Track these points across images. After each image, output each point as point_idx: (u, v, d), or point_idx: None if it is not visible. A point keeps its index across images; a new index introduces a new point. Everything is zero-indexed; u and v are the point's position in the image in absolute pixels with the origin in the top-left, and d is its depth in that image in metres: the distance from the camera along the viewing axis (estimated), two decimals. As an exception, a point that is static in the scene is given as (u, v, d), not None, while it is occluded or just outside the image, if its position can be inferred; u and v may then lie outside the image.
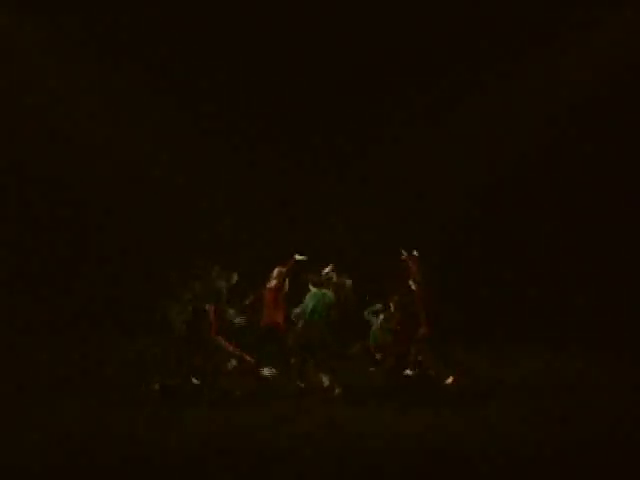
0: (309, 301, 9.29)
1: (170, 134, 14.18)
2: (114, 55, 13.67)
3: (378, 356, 10.10)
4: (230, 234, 13.74)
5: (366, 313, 10.54)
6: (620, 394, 9.14)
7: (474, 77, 13.70)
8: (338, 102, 13.94)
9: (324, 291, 9.33)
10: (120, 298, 13.77)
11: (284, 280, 9.64)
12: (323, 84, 13.95)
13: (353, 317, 10.05)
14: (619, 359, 11.59)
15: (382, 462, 6.48)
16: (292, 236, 12.81)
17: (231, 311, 9.69)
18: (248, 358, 9.16)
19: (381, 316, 10.11)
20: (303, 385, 9.16)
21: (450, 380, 9.41)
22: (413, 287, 9.66)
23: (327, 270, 9.59)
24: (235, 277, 9.65)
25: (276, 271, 9.60)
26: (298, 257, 9.68)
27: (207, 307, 9.00)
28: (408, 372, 9.72)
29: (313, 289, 9.37)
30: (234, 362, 9.25)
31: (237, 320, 9.72)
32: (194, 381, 9.13)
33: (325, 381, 9.02)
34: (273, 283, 9.55)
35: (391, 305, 9.89)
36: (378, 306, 10.35)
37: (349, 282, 9.63)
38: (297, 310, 9.59)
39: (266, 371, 9.18)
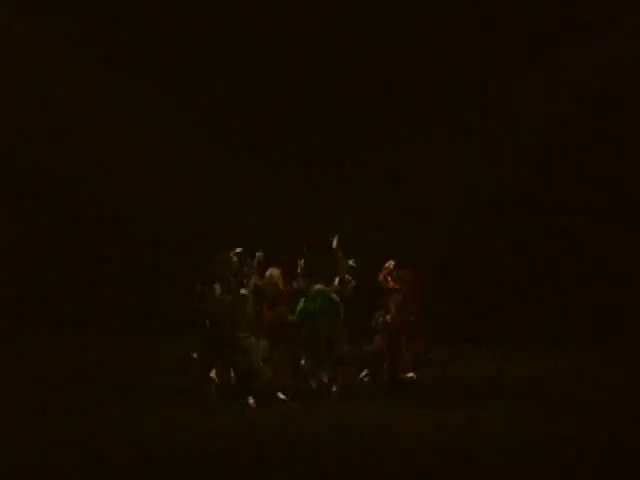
0: (313, 300, 9.22)
1: (175, 133, 14.22)
2: (117, 54, 13.70)
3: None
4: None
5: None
6: (622, 393, 9.17)
7: (478, 80, 13.76)
8: (343, 103, 13.99)
9: (328, 290, 9.29)
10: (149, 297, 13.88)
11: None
12: (324, 84, 13.98)
13: (353, 318, 9.99)
14: (621, 358, 11.62)
15: (385, 461, 6.52)
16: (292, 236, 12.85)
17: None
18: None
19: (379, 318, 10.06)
20: (313, 385, 9.15)
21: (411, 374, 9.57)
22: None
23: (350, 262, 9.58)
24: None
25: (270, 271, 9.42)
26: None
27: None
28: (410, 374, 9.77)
29: (317, 287, 9.29)
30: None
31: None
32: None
33: (324, 379, 9.07)
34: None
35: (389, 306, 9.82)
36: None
37: (353, 282, 9.58)
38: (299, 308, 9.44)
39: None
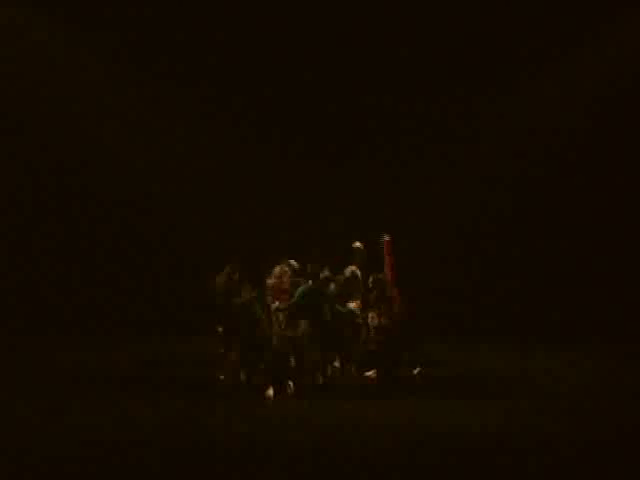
0: (310, 295, 9.34)
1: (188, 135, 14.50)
2: (131, 55, 13.93)
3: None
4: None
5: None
6: (621, 391, 9.22)
7: (484, 87, 13.93)
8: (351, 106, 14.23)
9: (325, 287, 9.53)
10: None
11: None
12: (328, 86, 14.22)
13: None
14: (623, 357, 11.66)
15: (388, 457, 6.60)
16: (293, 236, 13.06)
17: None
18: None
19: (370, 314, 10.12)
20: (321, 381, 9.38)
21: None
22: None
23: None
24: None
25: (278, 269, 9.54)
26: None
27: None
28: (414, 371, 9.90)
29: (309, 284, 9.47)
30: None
31: None
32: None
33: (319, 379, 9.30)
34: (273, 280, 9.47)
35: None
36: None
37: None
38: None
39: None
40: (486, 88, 13.88)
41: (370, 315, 9.81)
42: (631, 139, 13.73)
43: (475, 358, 11.53)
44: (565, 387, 9.38)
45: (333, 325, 9.39)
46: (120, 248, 14.25)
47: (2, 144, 13.87)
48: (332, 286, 9.83)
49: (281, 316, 9.10)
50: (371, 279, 9.88)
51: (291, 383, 8.85)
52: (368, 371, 9.85)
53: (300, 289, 9.24)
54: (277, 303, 9.15)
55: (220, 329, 9.62)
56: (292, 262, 9.79)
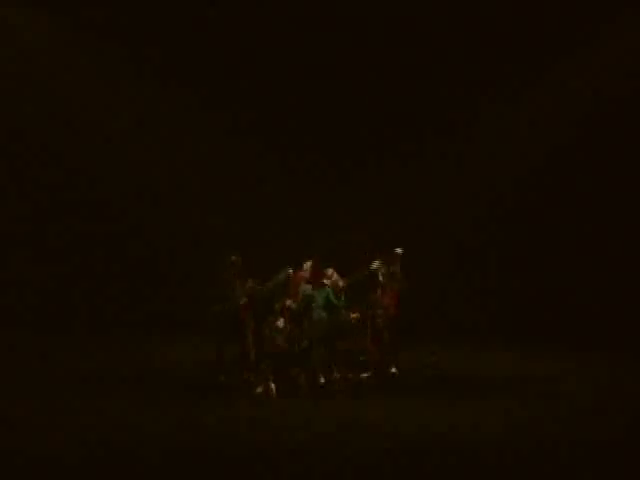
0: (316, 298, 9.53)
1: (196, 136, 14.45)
2: (137, 55, 13.91)
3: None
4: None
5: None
6: (624, 394, 9.25)
7: (489, 89, 13.92)
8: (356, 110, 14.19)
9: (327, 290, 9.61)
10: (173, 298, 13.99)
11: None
12: (334, 90, 14.20)
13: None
14: (623, 360, 11.65)
15: (388, 457, 6.64)
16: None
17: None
18: None
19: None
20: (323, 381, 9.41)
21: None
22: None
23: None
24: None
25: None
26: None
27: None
28: (393, 370, 10.01)
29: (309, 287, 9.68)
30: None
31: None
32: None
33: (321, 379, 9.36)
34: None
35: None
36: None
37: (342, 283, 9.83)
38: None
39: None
40: (488, 90, 13.93)
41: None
42: (633, 139, 13.71)
43: (474, 360, 11.58)
44: (565, 389, 9.44)
45: (332, 329, 9.51)
46: (122, 248, 14.23)
47: (7, 142, 13.88)
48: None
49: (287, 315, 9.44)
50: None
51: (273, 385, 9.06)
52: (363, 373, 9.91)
53: (308, 292, 9.54)
54: (289, 302, 9.49)
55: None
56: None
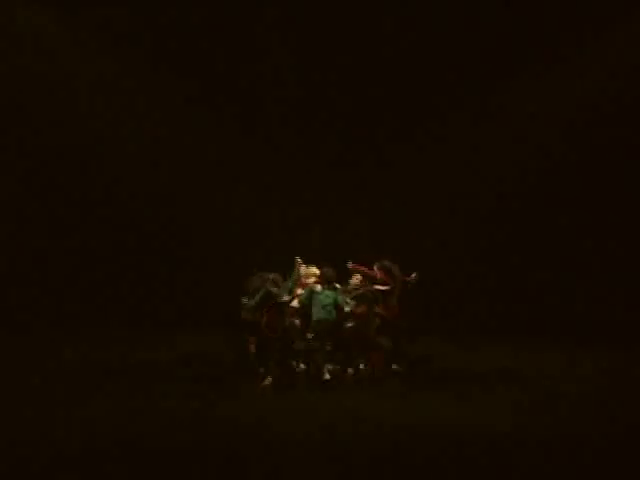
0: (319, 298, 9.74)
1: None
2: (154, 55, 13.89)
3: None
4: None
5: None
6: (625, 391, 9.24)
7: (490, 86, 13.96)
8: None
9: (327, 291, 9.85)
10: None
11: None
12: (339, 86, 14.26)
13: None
14: (625, 356, 11.57)
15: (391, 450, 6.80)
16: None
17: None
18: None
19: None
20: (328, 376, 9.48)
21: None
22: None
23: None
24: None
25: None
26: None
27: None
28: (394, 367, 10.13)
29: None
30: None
31: None
32: None
33: (326, 374, 9.46)
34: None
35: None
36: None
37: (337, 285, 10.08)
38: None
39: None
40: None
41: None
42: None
43: (477, 356, 11.51)
44: (567, 385, 9.41)
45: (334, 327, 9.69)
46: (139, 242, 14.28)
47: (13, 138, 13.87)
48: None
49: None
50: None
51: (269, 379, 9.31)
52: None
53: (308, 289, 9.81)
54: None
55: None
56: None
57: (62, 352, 11.32)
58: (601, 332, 12.58)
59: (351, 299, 9.79)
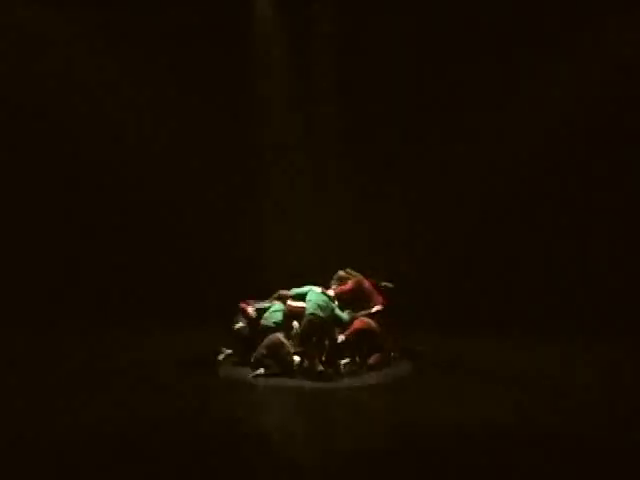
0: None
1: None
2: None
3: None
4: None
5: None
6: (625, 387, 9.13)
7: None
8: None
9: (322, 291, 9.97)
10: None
11: None
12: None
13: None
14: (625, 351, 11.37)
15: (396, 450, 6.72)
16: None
17: None
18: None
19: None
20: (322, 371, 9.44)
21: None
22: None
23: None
24: None
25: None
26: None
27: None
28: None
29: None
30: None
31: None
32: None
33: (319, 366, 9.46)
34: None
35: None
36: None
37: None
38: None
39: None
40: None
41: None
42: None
43: (476, 351, 11.37)
44: (567, 381, 9.33)
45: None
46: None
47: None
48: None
49: None
50: None
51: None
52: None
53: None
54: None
55: None
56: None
57: (58, 351, 11.24)
58: (602, 326, 12.37)
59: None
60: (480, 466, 6.26)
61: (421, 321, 12.02)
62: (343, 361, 9.72)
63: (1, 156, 13.57)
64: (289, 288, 10.32)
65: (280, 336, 9.69)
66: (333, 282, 10.24)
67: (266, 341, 9.64)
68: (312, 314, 9.56)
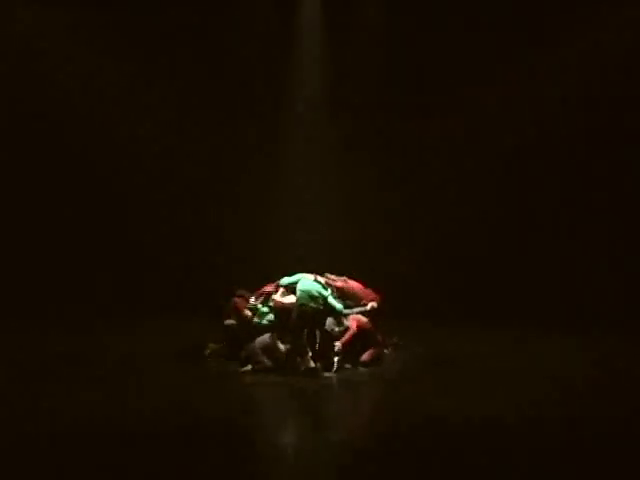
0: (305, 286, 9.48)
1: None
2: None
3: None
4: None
5: None
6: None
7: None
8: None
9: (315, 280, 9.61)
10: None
11: None
12: None
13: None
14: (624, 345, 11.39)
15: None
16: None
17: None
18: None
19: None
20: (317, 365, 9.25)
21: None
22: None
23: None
24: None
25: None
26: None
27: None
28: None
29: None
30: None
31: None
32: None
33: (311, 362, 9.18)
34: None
35: None
36: None
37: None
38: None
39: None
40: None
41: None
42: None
43: (473, 344, 11.34)
44: (566, 374, 9.33)
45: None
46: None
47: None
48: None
49: None
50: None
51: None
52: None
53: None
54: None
55: None
56: None
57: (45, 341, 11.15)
58: (601, 321, 12.37)
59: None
60: (479, 464, 6.19)
61: (414, 316, 12.02)
62: (336, 358, 9.40)
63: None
64: (279, 278, 9.89)
65: (273, 337, 9.38)
66: None
67: (258, 342, 9.34)
68: (303, 305, 9.19)
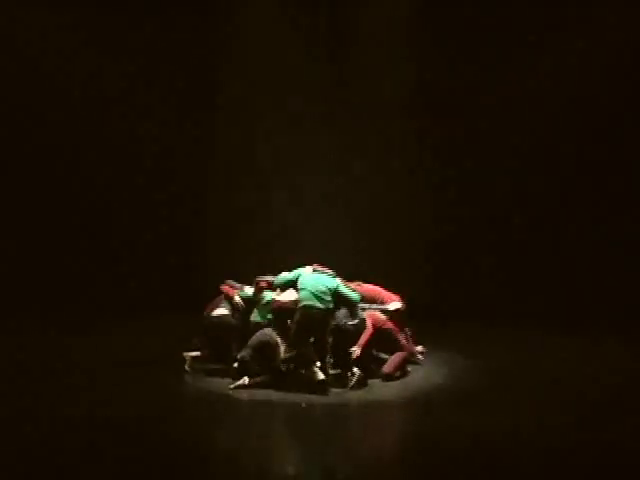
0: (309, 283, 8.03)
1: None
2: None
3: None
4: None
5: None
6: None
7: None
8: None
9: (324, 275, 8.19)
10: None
11: None
12: None
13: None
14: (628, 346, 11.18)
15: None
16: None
17: None
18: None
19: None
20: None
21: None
22: None
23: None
24: None
25: None
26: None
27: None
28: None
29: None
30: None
31: None
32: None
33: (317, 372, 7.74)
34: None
35: None
36: None
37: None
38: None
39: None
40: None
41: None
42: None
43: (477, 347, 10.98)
44: (573, 378, 9.06)
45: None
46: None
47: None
48: None
49: None
50: None
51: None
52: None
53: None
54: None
55: None
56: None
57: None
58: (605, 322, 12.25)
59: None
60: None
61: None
62: (354, 369, 7.85)
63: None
64: (273, 274, 8.75)
65: (273, 334, 7.94)
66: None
67: (254, 339, 7.94)
68: (306, 306, 7.67)
